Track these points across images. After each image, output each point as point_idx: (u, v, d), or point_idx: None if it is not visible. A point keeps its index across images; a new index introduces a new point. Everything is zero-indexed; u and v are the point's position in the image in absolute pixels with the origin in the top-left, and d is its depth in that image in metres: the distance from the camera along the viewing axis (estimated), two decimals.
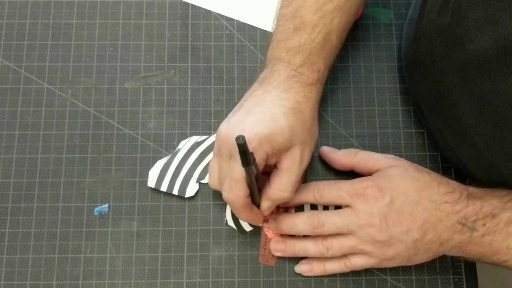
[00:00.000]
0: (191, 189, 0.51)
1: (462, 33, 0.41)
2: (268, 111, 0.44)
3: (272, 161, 0.45)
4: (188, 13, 0.57)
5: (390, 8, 0.58)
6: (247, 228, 0.51)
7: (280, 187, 0.44)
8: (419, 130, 0.54)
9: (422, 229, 0.44)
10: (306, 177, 0.52)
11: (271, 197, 0.45)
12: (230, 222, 0.51)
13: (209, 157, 0.52)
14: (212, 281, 0.50)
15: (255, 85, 0.47)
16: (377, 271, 0.50)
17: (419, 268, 0.50)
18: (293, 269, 0.50)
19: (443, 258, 0.50)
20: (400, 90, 0.55)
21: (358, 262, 0.46)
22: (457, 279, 0.50)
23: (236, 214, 0.47)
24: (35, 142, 0.53)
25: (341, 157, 0.50)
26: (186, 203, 0.51)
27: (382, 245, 0.44)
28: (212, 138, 0.53)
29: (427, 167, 0.53)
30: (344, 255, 0.47)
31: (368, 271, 0.50)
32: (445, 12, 0.43)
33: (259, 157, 0.42)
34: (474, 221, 0.43)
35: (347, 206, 0.46)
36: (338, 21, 0.46)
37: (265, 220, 0.50)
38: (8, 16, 0.56)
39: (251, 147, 0.40)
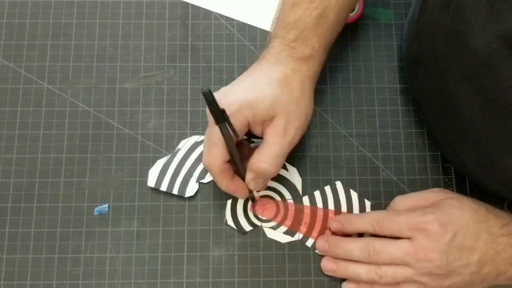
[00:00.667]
0: (191, 189, 0.51)
1: (464, 29, 0.41)
2: (254, 80, 0.44)
3: (257, 131, 0.45)
4: (188, 13, 0.57)
5: (390, 8, 0.58)
6: (247, 228, 0.51)
7: (260, 158, 0.44)
8: (419, 130, 0.54)
9: (480, 262, 0.43)
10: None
11: (252, 168, 0.44)
12: (230, 222, 0.51)
13: None
14: (212, 281, 0.50)
15: (255, 62, 0.48)
16: None
17: None
18: (293, 269, 0.50)
19: None
20: (400, 90, 0.55)
21: None
22: None
23: (216, 183, 0.46)
24: (35, 142, 0.53)
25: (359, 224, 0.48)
26: (186, 203, 0.51)
27: (439, 277, 0.44)
28: None
29: (427, 167, 0.53)
30: (398, 284, 0.46)
31: None
32: (447, 9, 0.43)
33: (238, 122, 0.42)
34: None
35: (407, 238, 0.45)
36: None
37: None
38: (8, 16, 0.56)
39: (230, 110, 0.41)
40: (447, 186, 0.53)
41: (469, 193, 0.53)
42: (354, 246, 0.46)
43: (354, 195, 0.52)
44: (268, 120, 0.44)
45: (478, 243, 0.43)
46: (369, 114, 0.54)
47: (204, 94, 0.36)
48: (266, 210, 0.51)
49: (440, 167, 0.53)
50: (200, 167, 0.52)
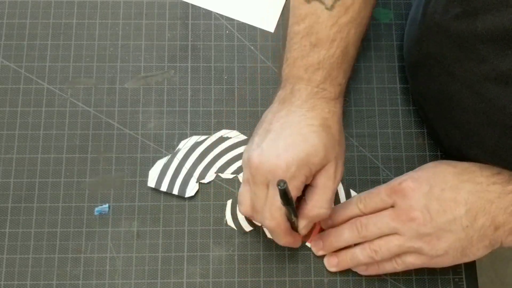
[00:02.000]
0: (191, 189, 0.51)
1: (471, 33, 0.40)
2: (298, 132, 0.43)
3: (308, 181, 0.44)
4: (188, 13, 0.57)
5: (390, 8, 0.58)
6: (247, 228, 0.51)
7: (316, 204, 0.44)
8: (419, 130, 0.54)
9: (470, 214, 0.41)
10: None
11: (308, 215, 0.45)
12: (230, 222, 0.51)
13: (209, 157, 0.52)
14: (212, 281, 0.50)
15: (276, 106, 0.46)
16: None
17: (419, 268, 0.50)
18: (293, 269, 0.50)
19: None
20: (400, 90, 0.55)
21: (409, 259, 0.44)
22: (457, 279, 0.50)
23: (277, 240, 0.46)
24: (35, 142, 0.53)
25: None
26: (186, 203, 0.51)
27: (431, 239, 0.42)
28: (212, 138, 0.53)
29: None
30: (398, 255, 0.45)
31: None
32: (452, 12, 0.42)
33: (299, 181, 0.42)
34: None
35: (391, 207, 0.45)
36: (354, 32, 0.46)
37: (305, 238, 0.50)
38: (8, 16, 0.56)
39: (290, 172, 0.41)
40: None
41: None
42: (342, 229, 0.47)
43: (354, 195, 0.52)
44: (320, 169, 0.44)
45: (461, 194, 0.42)
46: (369, 114, 0.55)
47: (281, 191, 0.38)
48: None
49: None
50: (201, 167, 0.52)
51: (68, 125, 0.53)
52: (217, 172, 0.52)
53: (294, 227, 0.46)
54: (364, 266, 0.48)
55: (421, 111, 0.53)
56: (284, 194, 0.39)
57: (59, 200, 0.51)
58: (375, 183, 0.52)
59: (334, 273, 0.50)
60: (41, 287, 0.49)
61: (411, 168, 0.53)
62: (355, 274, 0.50)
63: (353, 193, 0.52)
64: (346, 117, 0.54)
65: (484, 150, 0.45)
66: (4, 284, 0.49)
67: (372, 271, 0.48)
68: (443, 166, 0.45)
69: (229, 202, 0.51)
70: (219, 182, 0.52)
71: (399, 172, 0.52)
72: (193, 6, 0.57)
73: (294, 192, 0.42)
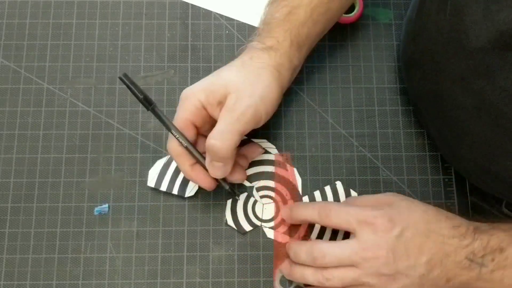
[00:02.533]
0: (191, 189, 0.51)
1: (460, 30, 0.41)
2: (216, 71, 0.47)
3: (215, 114, 0.45)
4: (188, 13, 0.57)
5: (390, 8, 0.58)
6: (247, 228, 0.51)
7: (210, 135, 0.43)
8: (419, 130, 0.54)
9: (429, 264, 0.42)
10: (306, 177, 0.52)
11: (206, 147, 0.44)
12: (230, 222, 0.51)
13: None
14: (212, 281, 0.50)
15: None
16: None
17: None
18: None
19: None
20: (400, 90, 0.55)
21: None
22: None
23: (179, 167, 0.47)
24: (35, 142, 0.53)
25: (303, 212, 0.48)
26: (186, 203, 0.51)
27: (387, 279, 0.42)
28: None
29: (427, 167, 0.53)
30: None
31: None
32: (444, 10, 0.43)
33: (191, 104, 0.44)
34: (483, 256, 0.41)
35: (352, 234, 0.44)
36: None
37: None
38: (8, 16, 0.56)
39: (186, 94, 0.45)
40: (447, 186, 0.53)
41: (469, 193, 0.53)
42: (301, 250, 0.45)
43: (354, 195, 0.52)
44: (223, 102, 0.44)
45: (427, 243, 0.42)
46: (369, 114, 0.54)
47: (120, 79, 0.41)
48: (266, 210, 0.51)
49: (440, 167, 0.53)
50: None
51: (68, 125, 0.53)
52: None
53: (200, 163, 0.46)
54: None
55: (416, 110, 0.54)
56: (127, 85, 0.42)
57: (58, 200, 0.51)
58: (375, 183, 0.52)
59: None
60: (40, 287, 0.49)
61: (411, 167, 0.53)
62: None
63: (353, 193, 0.52)
64: (346, 117, 0.54)
65: (474, 148, 0.45)
66: (4, 284, 0.49)
67: None
68: (418, 212, 0.44)
69: (229, 202, 0.51)
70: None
71: (399, 172, 0.53)
72: (193, 6, 0.57)
73: (184, 114, 0.45)
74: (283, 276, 0.49)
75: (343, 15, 0.56)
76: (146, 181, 0.51)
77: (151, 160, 0.52)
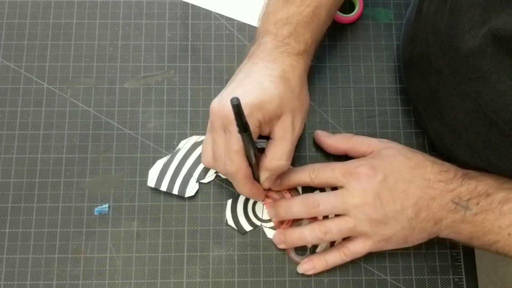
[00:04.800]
0: (191, 189, 0.51)
1: (457, 32, 0.41)
2: (256, 81, 0.44)
3: (265, 131, 0.45)
4: (188, 13, 0.57)
5: (390, 8, 0.58)
6: (247, 228, 0.51)
7: (275, 156, 0.45)
8: (419, 130, 0.54)
9: (416, 207, 0.44)
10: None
11: (267, 167, 0.46)
12: (230, 222, 0.51)
13: None
14: (212, 281, 0.50)
15: (245, 60, 0.48)
16: (377, 271, 0.50)
17: (419, 268, 0.50)
18: (293, 269, 0.50)
19: (443, 258, 0.50)
20: (400, 90, 0.55)
21: (356, 247, 0.46)
22: (457, 279, 0.50)
23: (238, 189, 0.47)
24: (35, 142, 0.53)
25: (335, 141, 0.51)
26: (186, 203, 0.51)
27: (378, 224, 0.45)
28: None
29: None
30: (341, 244, 0.47)
31: (368, 271, 0.50)
32: (442, 12, 0.44)
33: (252, 125, 0.43)
34: (468, 200, 0.43)
35: (341, 187, 0.46)
36: None
37: (266, 197, 0.51)
38: (8, 16, 0.56)
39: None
40: None
41: None
42: (294, 202, 0.48)
43: None
44: (275, 118, 0.45)
45: (411, 188, 0.44)
46: (369, 114, 0.55)
47: (234, 107, 0.37)
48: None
49: None
50: (200, 167, 0.52)
51: (68, 125, 0.53)
52: (217, 172, 0.52)
53: (256, 178, 0.47)
54: (310, 264, 0.48)
55: (415, 111, 0.54)
56: (238, 113, 0.39)
57: (59, 200, 0.51)
58: None
59: (334, 273, 0.50)
60: (41, 287, 0.49)
61: None
62: (355, 274, 0.50)
63: None
64: (346, 117, 0.54)
65: (472, 151, 0.45)
66: (4, 284, 0.49)
67: (321, 267, 0.48)
68: (400, 158, 0.46)
69: (229, 202, 0.51)
70: (219, 182, 0.52)
71: None
72: (193, 6, 0.57)
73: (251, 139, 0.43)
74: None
75: (344, 15, 0.56)
76: (146, 181, 0.51)
77: (151, 160, 0.52)
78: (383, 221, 0.45)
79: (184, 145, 0.52)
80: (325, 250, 0.49)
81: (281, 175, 0.49)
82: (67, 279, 0.49)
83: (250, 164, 0.45)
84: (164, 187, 0.51)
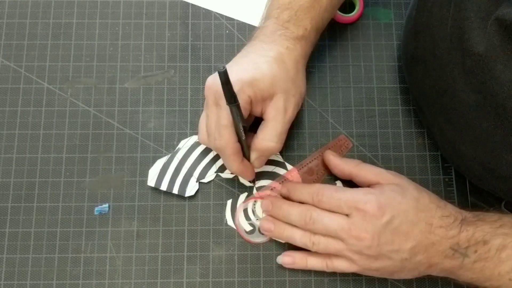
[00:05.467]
0: (191, 189, 0.51)
1: (464, 24, 0.41)
2: (252, 61, 0.45)
3: (257, 110, 0.45)
4: (188, 12, 0.57)
5: (390, 8, 0.58)
6: (247, 228, 0.51)
7: (265, 136, 0.45)
8: (419, 130, 0.54)
9: (413, 250, 0.44)
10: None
11: (257, 147, 0.46)
12: (230, 222, 0.51)
13: (209, 156, 0.52)
14: (212, 281, 0.50)
15: (247, 43, 0.49)
16: None
17: None
18: (293, 269, 0.50)
19: None
20: (400, 89, 0.55)
21: (340, 265, 0.46)
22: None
23: (227, 165, 0.47)
24: (35, 141, 0.53)
25: (342, 162, 0.50)
26: (186, 202, 0.51)
27: (368, 258, 0.45)
28: None
29: (427, 167, 0.53)
30: (328, 256, 0.47)
31: None
32: (447, 5, 0.44)
33: (243, 101, 0.43)
34: (466, 247, 0.43)
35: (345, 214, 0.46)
36: None
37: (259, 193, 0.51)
38: (8, 15, 0.56)
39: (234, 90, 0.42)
40: (447, 186, 0.53)
41: (469, 193, 0.53)
42: (294, 210, 0.47)
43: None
44: (268, 98, 0.45)
45: (414, 231, 0.44)
46: (369, 114, 0.54)
47: (220, 74, 0.38)
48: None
49: (440, 167, 0.53)
50: (200, 167, 0.52)
51: (68, 125, 0.53)
52: (217, 171, 0.52)
53: (246, 156, 0.47)
54: (291, 259, 0.49)
55: (418, 109, 0.54)
56: (225, 81, 0.39)
57: (59, 199, 0.51)
58: None
59: (334, 273, 0.50)
60: (41, 287, 0.49)
61: (411, 167, 0.53)
62: (355, 274, 0.50)
63: None
64: (346, 117, 0.54)
65: (477, 145, 0.45)
66: (4, 284, 0.49)
67: (300, 265, 0.48)
68: (409, 198, 0.45)
69: (229, 202, 0.51)
70: (219, 182, 0.52)
71: (399, 171, 0.52)
72: (193, 5, 0.57)
73: (240, 112, 0.43)
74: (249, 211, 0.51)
75: (344, 14, 0.56)
76: (146, 180, 0.51)
77: (151, 160, 0.52)
78: (375, 257, 0.44)
79: (184, 144, 0.52)
80: (310, 252, 0.48)
81: (290, 187, 0.49)
82: (67, 279, 0.49)
83: (240, 140, 0.45)
84: (164, 187, 0.51)
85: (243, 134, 0.44)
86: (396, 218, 0.44)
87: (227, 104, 0.41)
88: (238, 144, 0.45)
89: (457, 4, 0.42)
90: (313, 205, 0.47)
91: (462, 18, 0.41)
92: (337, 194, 0.46)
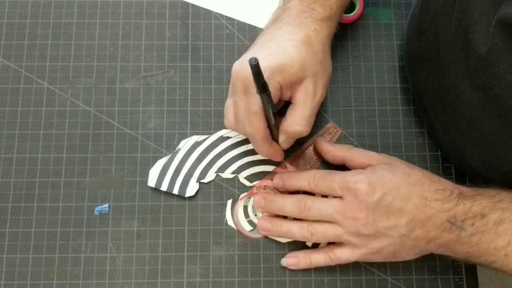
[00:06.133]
0: (191, 189, 0.51)
1: (467, 24, 0.41)
2: (279, 45, 0.45)
3: (286, 95, 0.45)
4: (188, 12, 0.57)
5: (390, 8, 0.58)
6: (247, 228, 0.51)
7: (294, 120, 0.45)
8: (419, 130, 0.54)
9: (410, 225, 0.44)
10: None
11: (286, 131, 0.46)
12: (230, 222, 0.51)
13: (209, 156, 0.52)
14: (212, 280, 0.50)
15: (268, 24, 0.48)
16: (378, 270, 0.50)
17: (420, 267, 0.50)
18: (294, 269, 0.50)
19: (443, 258, 0.50)
20: (400, 89, 0.55)
21: (343, 255, 0.46)
22: (457, 279, 0.50)
23: (257, 149, 0.47)
24: (35, 141, 0.53)
25: (334, 148, 0.50)
26: (187, 202, 0.51)
27: (367, 238, 0.45)
28: (213, 137, 0.53)
29: (427, 167, 0.53)
30: (329, 248, 0.47)
31: (368, 271, 0.50)
32: (451, 5, 0.44)
33: (273, 88, 0.43)
34: (463, 220, 0.43)
35: (338, 197, 0.46)
36: None
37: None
38: (8, 15, 0.56)
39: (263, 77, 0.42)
40: None
41: None
42: (287, 201, 0.48)
43: None
44: (297, 83, 0.45)
45: (408, 206, 0.44)
46: (369, 114, 0.55)
47: (252, 66, 0.38)
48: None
49: (440, 167, 0.53)
50: (201, 167, 0.52)
51: (68, 125, 0.53)
52: (217, 171, 0.52)
53: (275, 139, 0.47)
54: (295, 260, 0.49)
55: (420, 109, 0.54)
56: (256, 73, 0.39)
57: (59, 199, 0.51)
58: None
59: (334, 273, 0.50)
60: (41, 287, 0.49)
61: None
62: (356, 273, 0.50)
63: None
64: (347, 117, 0.54)
65: (480, 145, 0.45)
66: (4, 284, 0.49)
67: (304, 264, 0.49)
68: (400, 174, 0.45)
69: (229, 202, 0.51)
70: (219, 182, 0.52)
71: None
72: (193, 5, 0.57)
73: (270, 99, 0.43)
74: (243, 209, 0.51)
75: (344, 14, 0.56)
76: (146, 180, 0.51)
77: (151, 160, 0.52)
78: (373, 236, 0.44)
79: (185, 145, 0.52)
80: (312, 249, 0.49)
81: (284, 177, 0.49)
82: (67, 279, 0.49)
83: (269, 125, 0.45)
84: (164, 187, 0.51)
85: (273, 119, 0.45)
86: (387, 194, 0.44)
87: (257, 93, 0.41)
88: (267, 130, 0.45)
89: (461, 4, 0.42)
90: (310, 190, 0.48)
91: (466, 18, 0.41)
92: (330, 176, 0.47)
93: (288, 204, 0.47)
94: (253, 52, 0.46)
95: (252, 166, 0.52)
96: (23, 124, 0.53)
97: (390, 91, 0.55)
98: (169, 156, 0.52)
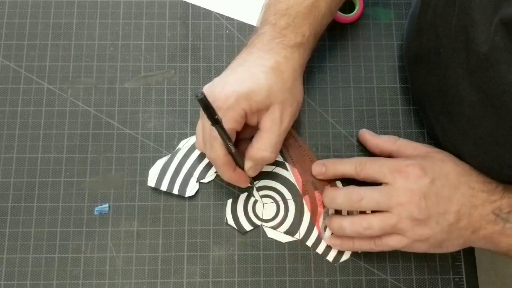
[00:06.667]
0: (191, 189, 0.51)
1: (468, 23, 0.41)
2: (248, 70, 0.45)
3: (253, 121, 0.45)
4: (188, 12, 0.57)
5: (390, 7, 0.58)
6: (248, 227, 0.51)
7: (260, 146, 0.45)
8: (419, 130, 0.54)
9: (458, 214, 0.44)
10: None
11: (252, 157, 0.46)
12: (230, 222, 0.51)
13: None
14: (212, 281, 0.50)
15: (243, 49, 0.48)
16: (378, 270, 0.50)
17: (420, 267, 0.50)
18: (293, 269, 0.50)
19: (443, 258, 0.50)
20: (400, 90, 0.55)
21: (391, 241, 0.46)
22: (457, 279, 0.50)
23: (220, 174, 0.48)
24: (35, 141, 0.53)
25: (381, 141, 0.50)
26: (186, 202, 0.51)
27: (419, 223, 0.44)
28: None
29: None
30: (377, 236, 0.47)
31: (368, 271, 0.50)
32: (452, 5, 0.44)
33: (237, 114, 0.43)
34: (508, 212, 0.43)
35: (386, 183, 0.46)
36: None
37: (307, 192, 0.51)
38: (8, 15, 0.56)
39: (227, 103, 0.43)
40: None
41: None
42: (338, 193, 0.48)
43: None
44: (264, 109, 0.45)
45: (456, 194, 0.44)
46: (369, 114, 0.55)
47: (199, 101, 0.38)
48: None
49: None
50: (200, 167, 0.52)
51: (68, 125, 0.53)
52: (217, 171, 0.52)
53: (239, 165, 0.47)
54: (339, 241, 0.49)
55: (420, 109, 0.54)
56: (205, 106, 0.39)
57: (59, 200, 0.51)
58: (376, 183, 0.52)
59: (334, 273, 0.50)
60: (41, 287, 0.49)
61: None
62: (356, 273, 0.50)
63: None
64: (346, 117, 0.54)
65: (478, 146, 0.45)
66: (4, 284, 0.49)
67: (346, 247, 0.49)
68: (450, 163, 0.46)
69: (229, 202, 0.51)
70: (219, 182, 0.52)
71: None
72: (193, 5, 0.57)
73: (231, 124, 0.43)
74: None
75: (344, 15, 0.56)
76: (146, 180, 0.51)
77: (151, 160, 0.52)
78: (424, 221, 0.44)
79: (184, 145, 0.52)
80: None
81: (326, 163, 0.50)
82: (67, 279, 0.49)
83: (230, 152, 0.45)
84: (164, 187, 0.51)
85: (233, 149, 0.45)
86: (437, 179, 0.44)
87: (211, 125, 0.41)
88: (228, 156, 0.45)
89: (462, 3, 0.42)
90: (355, 175, 0.47)
91: (466, 17, 0.41)
92: (379, 160, 0.47)
93: (339, 196, 0.47)
94: (224, 76, 0.46)
95: None
96: (23, 124, 0.53)
97: (390, 91, 0.55)
98: (169, 156, 0.52)
